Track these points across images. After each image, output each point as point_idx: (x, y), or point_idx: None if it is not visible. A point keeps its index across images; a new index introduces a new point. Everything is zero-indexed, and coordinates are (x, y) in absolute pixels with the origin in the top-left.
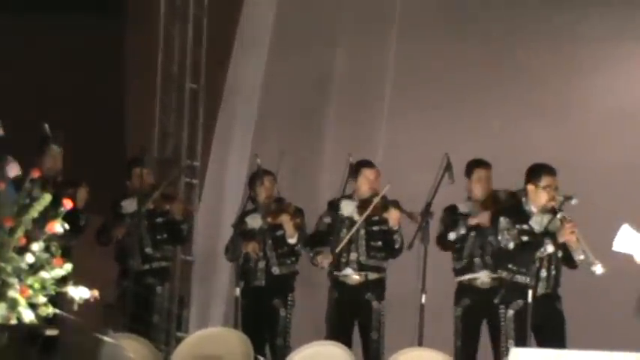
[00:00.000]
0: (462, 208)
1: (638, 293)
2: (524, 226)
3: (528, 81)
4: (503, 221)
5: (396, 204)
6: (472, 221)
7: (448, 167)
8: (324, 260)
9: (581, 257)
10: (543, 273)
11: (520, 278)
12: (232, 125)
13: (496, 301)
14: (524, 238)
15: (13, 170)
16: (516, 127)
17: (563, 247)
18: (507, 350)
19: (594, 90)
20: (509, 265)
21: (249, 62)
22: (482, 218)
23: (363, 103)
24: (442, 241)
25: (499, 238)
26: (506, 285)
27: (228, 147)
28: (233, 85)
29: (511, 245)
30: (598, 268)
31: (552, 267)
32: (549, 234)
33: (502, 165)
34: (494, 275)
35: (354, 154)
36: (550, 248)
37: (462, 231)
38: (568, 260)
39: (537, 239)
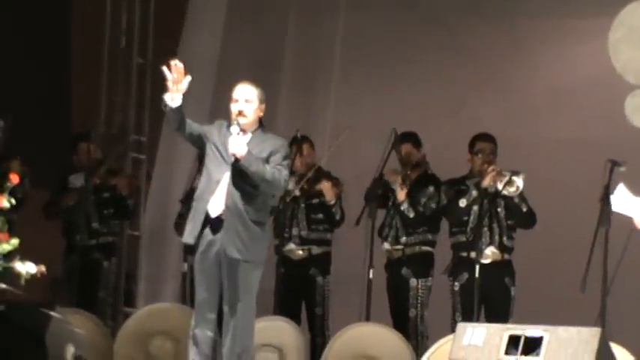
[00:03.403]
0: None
1: (584, 268)
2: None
3: (473, 57)
4: (431, 189)
5: (326, 175)
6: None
7: (396, 143)
8: None
9: (504, 187)
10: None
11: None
12: (185, 100)
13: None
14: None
15: None
16: (461, 103)
17: (505, 205)
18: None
19: (537, 66)
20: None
21: (202, 37)
22: None
23: (313, 78)
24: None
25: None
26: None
27: None
28: (185, 59)
29: (411, 215)
30: (520, 181)
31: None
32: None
33: (447, 141)
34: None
35: (304, 128)
36: (474, 193)
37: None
38: (513, 214)
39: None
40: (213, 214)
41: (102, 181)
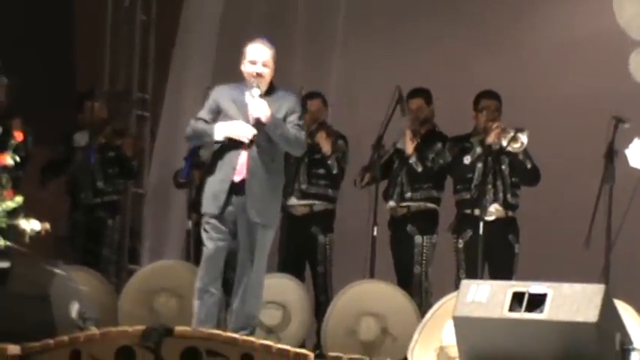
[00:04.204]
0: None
1: (588, 224)
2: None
3: (475, 14)
4: (439, 145)
5: (328, 128)
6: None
7: (400, 100)
8: None
9: (508, 144)
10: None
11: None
12: (189, 58)
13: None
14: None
15: None
16: (466, 60)
17: (509, 162)
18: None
19: (540, 22)
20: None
21: None
22: None
23: (317, 36)
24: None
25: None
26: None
27: (184, 80)
28: (190, 17)
29: (419, 169)
30: (524, 138)
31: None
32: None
33: (452, 98)
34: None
35: (308, 86)
36: (479, 150)
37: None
38: (517, 171)
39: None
40: (236, 179)
41: (107, 140)
